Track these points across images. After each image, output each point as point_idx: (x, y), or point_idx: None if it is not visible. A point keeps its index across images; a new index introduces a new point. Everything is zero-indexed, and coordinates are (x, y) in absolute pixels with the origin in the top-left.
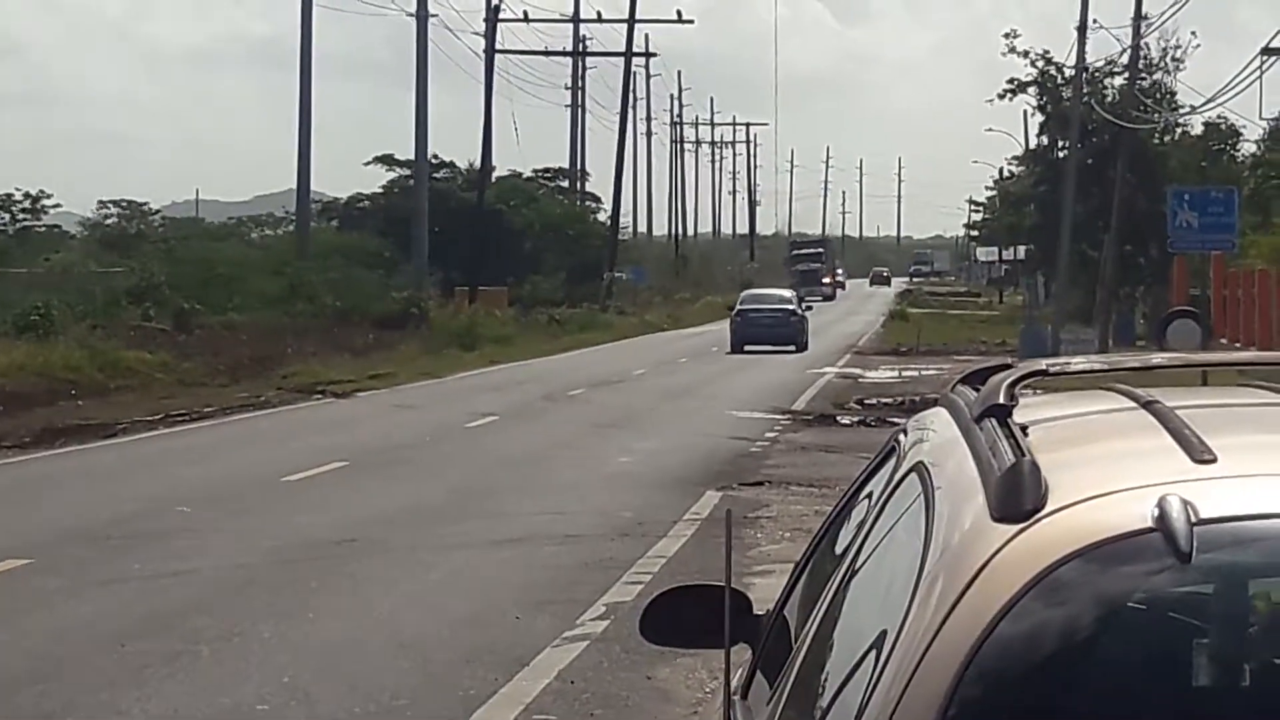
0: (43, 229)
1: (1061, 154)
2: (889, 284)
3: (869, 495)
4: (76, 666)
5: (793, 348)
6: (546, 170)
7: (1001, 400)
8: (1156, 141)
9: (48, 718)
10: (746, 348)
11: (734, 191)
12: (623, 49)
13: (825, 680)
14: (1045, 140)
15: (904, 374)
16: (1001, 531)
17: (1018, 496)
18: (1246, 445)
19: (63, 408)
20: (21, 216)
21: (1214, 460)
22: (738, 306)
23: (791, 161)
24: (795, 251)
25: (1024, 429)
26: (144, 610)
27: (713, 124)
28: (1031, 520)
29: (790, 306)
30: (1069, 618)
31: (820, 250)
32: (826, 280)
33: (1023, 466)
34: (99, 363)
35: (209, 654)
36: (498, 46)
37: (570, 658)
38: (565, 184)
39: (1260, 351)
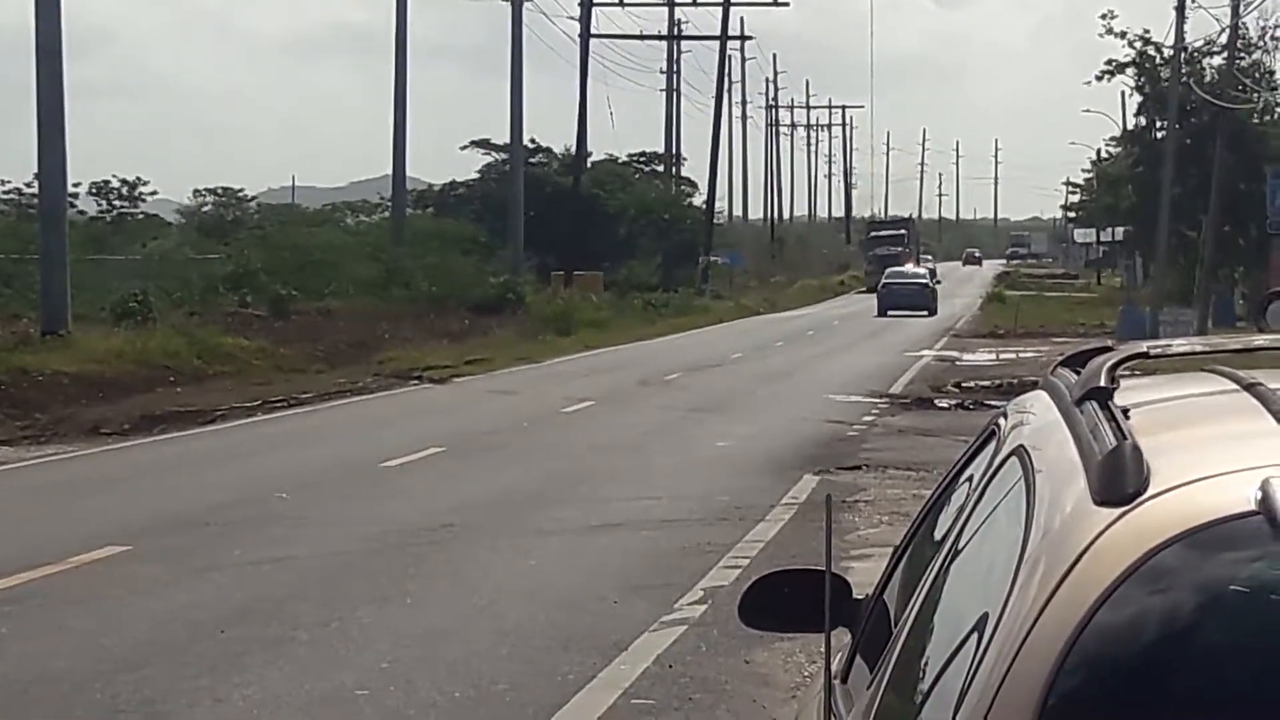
0: (140, 216)
1: (1160, 135)
2: (980, 264)
3: (969, 479)
4: (176, 653)
5: (925, 312)
6: (642, 154)
7: (1102, 383)
8: (1256, 121)
9: (148, 703)
10: (890, 312)
11: (830, 175)
12: (718, 32)
13: (925, 664)
14: (1143, 121)
15: (1002, 356)
16: (1103, 515)
17: (1119, 480)
18: None
19: (161, 394)
20: (119, 204)
21: None
22: (883, 280)
23: (888, 144)
24: (873, 233)
25: (1125, 412)
26: (243, 597)
27: (809, 107)
28: (1133, 504)
29: (924, 281)
30: (1171, 602)
31: (902, 232)
32: (909, 266)
33: (1124, 450)
34: (197, 349)
35: (308, 640)
36: (593, 31)
37: (668, 642)
38: (660, 168)
39: None
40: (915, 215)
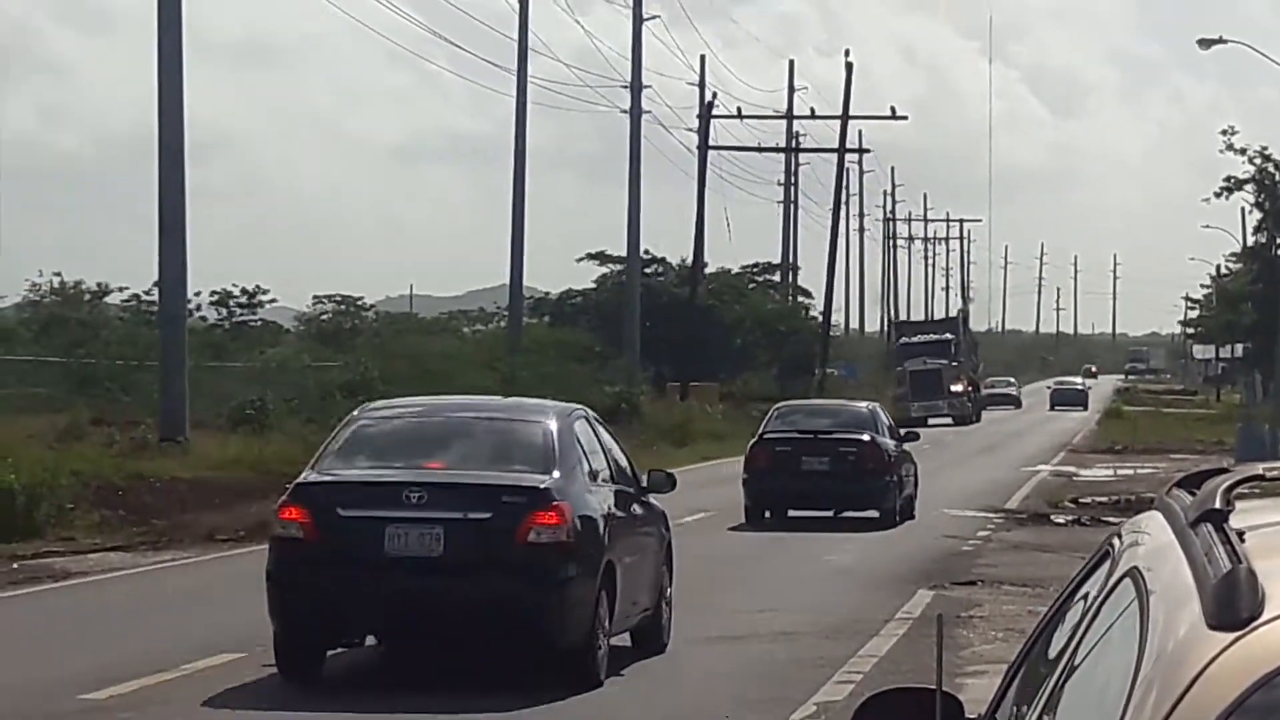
0: (258, 323)
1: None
2: (1096, 378)
3: (1083, 598)
4: None
5: (1081, 408)
6: (758, 265)
7: (1218, 505)
8: None
9: None
10: (1056, 408)
11: (947, 288)
12: (835, 144)
13: None
14: (1263, 237)
15: (1119, 472)
16: (1216, 640)
17: (1233, 604)
18: None
19: (277, 501)
20: (238, 311)
21: None
22: (1052, 387)
23: (1005, 258)
24: (903, 339)
25: (1240, 535)
26: (359, 706)
27: (926, 220)
28: (1247, 629)
29: (1079, 386)
30: None
31: (946, 337)
32: (957, 388)
33: (1239, 573)
34: (313, 456)
35: None
36: (710, 142)
37: None
38: (777, 279)
39: None
40: (965, 314)
